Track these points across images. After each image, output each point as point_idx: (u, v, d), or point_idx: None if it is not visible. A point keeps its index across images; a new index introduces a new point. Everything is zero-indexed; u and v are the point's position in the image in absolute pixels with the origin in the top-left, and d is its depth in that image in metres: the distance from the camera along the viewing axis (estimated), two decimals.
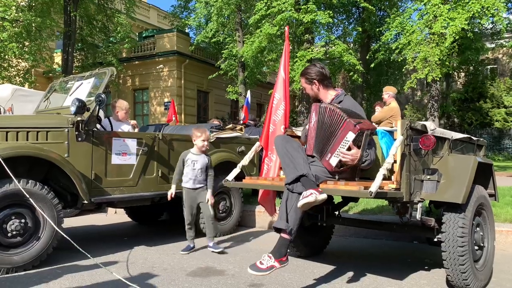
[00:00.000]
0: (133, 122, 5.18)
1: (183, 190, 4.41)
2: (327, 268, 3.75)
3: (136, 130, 5.18)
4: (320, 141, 3.05)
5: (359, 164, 2.90)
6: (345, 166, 2.93)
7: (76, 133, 3.95)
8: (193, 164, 4.35)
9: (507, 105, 22.18)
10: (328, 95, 3.31)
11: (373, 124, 3.06)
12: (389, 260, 4.18)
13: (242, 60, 15.15)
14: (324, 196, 2.72)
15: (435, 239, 3.19)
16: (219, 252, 4.29)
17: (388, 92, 7.21)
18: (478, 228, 3.26)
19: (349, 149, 2.87)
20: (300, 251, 4.08)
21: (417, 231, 3.76)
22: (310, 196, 2.68)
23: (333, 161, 2.92)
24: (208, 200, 4.38)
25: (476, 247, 3.20)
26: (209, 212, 4.37)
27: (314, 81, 3.30)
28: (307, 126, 3.22)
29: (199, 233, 4.96)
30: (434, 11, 11.97)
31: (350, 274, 3.57)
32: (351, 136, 2.86)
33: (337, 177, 3.00)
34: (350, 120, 2.89)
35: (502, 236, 4.40)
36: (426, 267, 3.79)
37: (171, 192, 4.37)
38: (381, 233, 5.04)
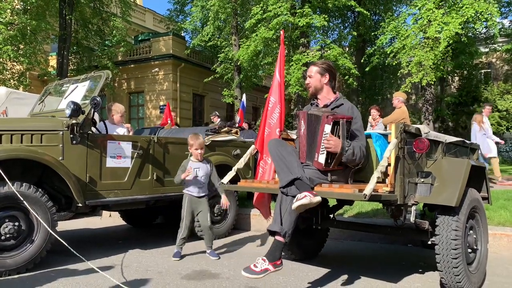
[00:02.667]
0: (127, 125, 5.17)
1: (186, 197, 4.30)
2: (321, 271, 3.75)
3: (131, 133, 5.16)
4: (309, 146, 3.08)
5: (342, 153, 2.91)
6: (334, 161, 2.94)
7: (71, 136, 3.95)
8: (195, 171, 4.25)
9: (500, 109, 22.34)
10: (329, 95, 3.32)
11: (348, 115, 3.08)
12: (384, 263, 4.20)
13: (238, 64, 15.19)
14: (318, 198, 2.73)
15: (429, 242, 3.21)
16: (217, 259, 4.24)
17: (398, 97, 7.62)
18: (471, 231, 3.28)
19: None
20: (294, 254, 4.08)
21: (411, 234, 3.78)
22: (305, 199, 2.68)
23: (321, 159, 2.95)
24: (224, 205, 4.43)
25: (469, 250, 3.22)
26: (207, 223, 4.30)
27: (326, 74, 3.28)
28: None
29: (194, 236, 4.97)
30: (428, 15, 12.07)
31: (344, 277, 3.58)
32: (328, 128, 2.91)
33: (329, 177, 3.01)
34: (322, 114, 2.94)
35: (495, 239, 4.43)
36: (420, 270, 3.81)
37: (186, 174, 4.21)
38: (375, 236, 5.06)
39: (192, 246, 4.71)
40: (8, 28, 12.66)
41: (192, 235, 4.92)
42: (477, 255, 3.35)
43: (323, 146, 2.93)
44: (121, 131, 4.86)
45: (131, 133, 5.10)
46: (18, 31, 12.96)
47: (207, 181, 4.35)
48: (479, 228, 3.43)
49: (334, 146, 2.89)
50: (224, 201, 4.40)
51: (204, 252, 4.41)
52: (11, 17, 12.91)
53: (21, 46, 13.50)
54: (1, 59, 13.10)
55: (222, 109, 22.62)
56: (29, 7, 13.91)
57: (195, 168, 4.26)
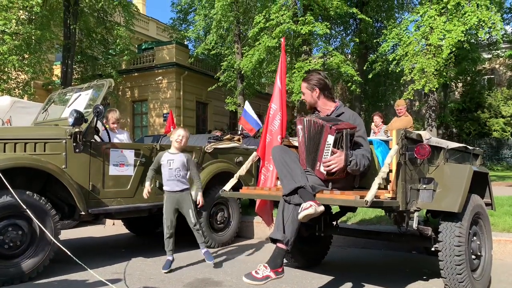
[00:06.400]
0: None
1: (165, 195, 4.16)
2: (325, 279, 3.73)
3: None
4: (310, 154, 3.07)
5: (346, 165, 2.90)
6: (336, 172, 2.94)
7: (74, 144, 3.97)
8: (169, 164, 4.07)
9: (504, 115, 22.26)
10: (327, 106, 3.30)
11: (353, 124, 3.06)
12: (388, 270, 4.17)
13: (242, 72, 15.24)
14: (322, 208, 2.75)
15: (433, 249, 3.19)
16: (214, 265, 4.15)
17: (405, 106, 7.82)
18: (475, 237, 3.26)
19: (332, 154, 2.90)
20: (298, 261, 4.06)
21: (415, 241, 3.76)
22: (310, 208, 2.68)
23: (323, 169, 2.94)
24: (199, 202, 4.19)
25: (473, 256, 3.20)
26: (192, 220, 4.11)
27: (316, 88, 3.26)
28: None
29: (196, 244, 4.96)
30: (430, 23, 12.08)
31: (348, 284, 3.56)
32: (331, 138, 2.89)
33: (330, 186, 3.00)
34: (326, 124, 2.92)
35: (500, 245, 4.39)
36: (424, 277, 3.78)
37: (147, 189, 4.04)
38: (379, 243, 5.03)
39: (194, 254, 4.70)
40: (13, 38, 12.77)
41: (195, 244, 4.91)
42: (481, 262, 3.33)
43: (325, 162, 2.91)
44: (122, 136, 4.87)
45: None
46: (23, 41, 13.08)
47: (184, 174, 4.11)
48: (483, 234, 3.41)
49: (338, 164, 2.88)
50: (200, 199, 4.18)
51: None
52: (16, 27, 13.04)
53: (26, 56, 13.62)
54: (6, 69, 13.21)
55: (225, 117, 22.70)
56: (34, 17, 14.05)
57: (168, 160, 4.10)
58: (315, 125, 3.02)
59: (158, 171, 4.19)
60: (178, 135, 4.14)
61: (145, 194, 4.08)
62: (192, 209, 4.15)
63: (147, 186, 4.08)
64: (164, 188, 4.16)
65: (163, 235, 4.18)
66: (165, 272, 3.95)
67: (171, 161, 4.10)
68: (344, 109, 3.29)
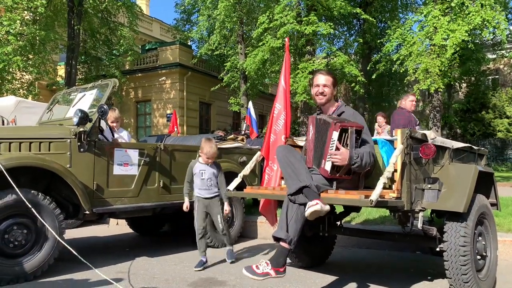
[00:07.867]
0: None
1: (196, 199, 4.31)
2: (329, 279, 3.72)
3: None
4: (317, 151, 3.07)
5: (350, 164, 2.88)
6: (341, 170, 2.92)
7: (79, 143, 3.98)
8: (201, 174, 4.29)
9: (509, 116, 22.15)
10: (333, 104, 3.31)
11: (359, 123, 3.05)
12: (392, 270, 4.16)
13: (246, 73, 15.24)
14: (328, 207, 2.76)
15: (437, 249, 3.18)
16: (231, 262, 4.33)
17: None
18: (480, 238, 3.25)
19: (337, 149, 2.88)
20: (302, 261, 4.06)
21: (420, 241, 3.75)
22: (317, 205, 2.69)
23: (327, 166, 2.93)
24: (225, 210, 4.36)
25: (478, 257, 3.18)
26: (220, 225, 4.33)
27: (336, 86, 3.30)
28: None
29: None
30: (434, 23, 12.03)
31: (352, 285, 3.55)
32: (335, 135, 2.89)
33: (334, 185, 2.99)
34: (332, 121, 2.93)
35: (505, 246, 4.37)
36: (429, 278, 3.76)
37: (186, 204, 4.32)
38: (384, 243, 5.01)
39: (198, 254, 4.70)
40: (18, 38, 12.83)
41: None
42: (487, 262, 3.31)
43: (330, 155, 2.91)
44: (122, 135, 4.87)
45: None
46: (27, 41, 13.14)
47: (215, 182, 4.33)
48: (488, 234, 3.39)
49: (341, 160, 2.86)
50: (227, 207, 4.36)
51: (215, 262, 4.40)
52: (20, 28, 13.10)
53: (30, 56, 13.67)
54: (10, 69, 13.27)
55: (228, 117, 22.72)
56: (38, 18, 14.11)
57: (200, 170, 4.29)
58: (325, 123, 3.02)
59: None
60: (207, 158, 4.27)
61: (185, 207, 4.34)
62: (220, 214, 4.34)
63: (186, 201, 4.35)
64: (197, 194, 4.33)
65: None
66: (197, 270, 4.04)
67: (203, 171, 4.30)
68: (345, 108, 3.29)
